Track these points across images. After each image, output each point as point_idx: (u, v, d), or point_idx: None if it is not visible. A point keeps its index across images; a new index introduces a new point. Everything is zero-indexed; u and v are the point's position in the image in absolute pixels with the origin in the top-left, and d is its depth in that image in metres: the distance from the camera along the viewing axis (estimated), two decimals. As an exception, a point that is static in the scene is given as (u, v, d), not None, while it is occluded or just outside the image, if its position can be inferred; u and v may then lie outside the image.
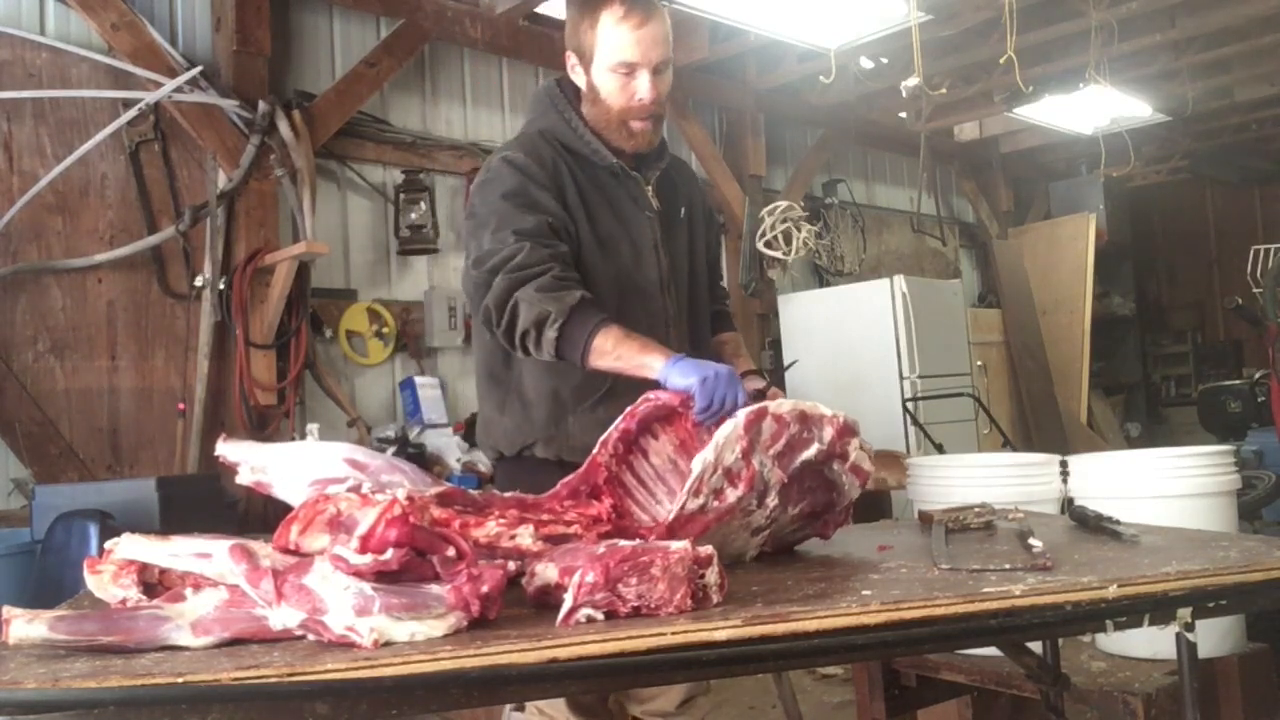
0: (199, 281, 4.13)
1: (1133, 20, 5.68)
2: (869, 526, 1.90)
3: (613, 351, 1.70)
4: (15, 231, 3.79)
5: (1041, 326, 8.22)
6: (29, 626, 0.99)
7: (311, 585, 1.04)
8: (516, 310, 1.74)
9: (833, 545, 1.59)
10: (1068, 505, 2.00)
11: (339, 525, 1.12)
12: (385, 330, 4.77)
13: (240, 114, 4.20)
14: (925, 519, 1.72)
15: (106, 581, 1.17)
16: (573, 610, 1.08)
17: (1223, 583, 1.19)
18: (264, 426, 4.20)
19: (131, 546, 1.16)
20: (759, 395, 1.77)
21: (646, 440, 1.54)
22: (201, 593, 1.09)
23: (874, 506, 3.97)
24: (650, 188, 2.03)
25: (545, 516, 1.39)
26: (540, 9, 5.19)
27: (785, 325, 6.44)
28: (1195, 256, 11.10)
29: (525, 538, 1.33)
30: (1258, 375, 6.72)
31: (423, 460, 4.32)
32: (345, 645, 1.00)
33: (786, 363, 6.21)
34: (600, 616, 1.08)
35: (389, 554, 1.06)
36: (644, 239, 1.98)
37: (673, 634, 1.02)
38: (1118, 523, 1.53)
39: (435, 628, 1.04)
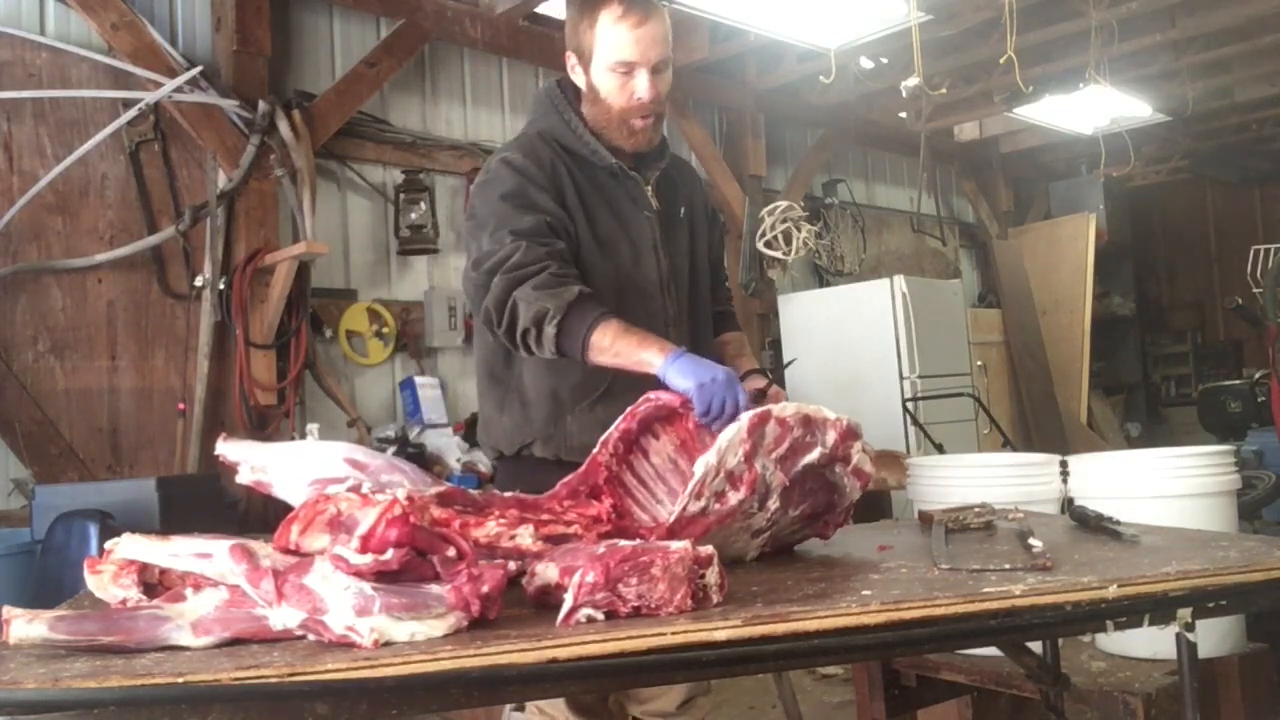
0: (199, 281, 4.13)
1: (1133, 20, 5.68)
2: (869, 526, 1.90)
3: (611, 347, 1.70)
4: (15, 231, 3.79)
5: (1041, 326, 8.22)
6: (29, 626, 0.99)
7: (312, 585, 1.04)
8: (516, 310, 1.74)
9: (833, 545, 1.59)
10: (1068, 505, 2.00)
11: (339, 525, 1.12)
12: (385, 330, 4.77)
13: (240, 114, 4.20)
14: (925, 519, 1.72)
15: (106, 581, 1.17)
16: (573, 610, 1.08)
17: (1223, 583, 1.19)
18: (264, 426, 4.20)
19: (131, 546, 1.16)
20: (760, 394, 1.77)
21: (647, 440, 1.54)
22: (202, 593, 1.09)
23: (874, 506, 3.97)
24: (650, 188, 2.03)
25: (545, 516, 1.39)
26: (540, 9, 5.19)
27: (785, 325, 6.44)
28: (1195, 256, 11.10)
29: (525, 538, 1.33)
30: (1258, 375, 6.72)
31: (423, 460, 4.32)
32: (345, 645, 1.00)
33: (786, 360, 6.21)
34: (600, 616, 1.08)
35: (389, 554, 1.06)
36: (643, 239, 1.98)
37: (673, 634, 1.02)
38: (1118, 523, 1.53)
39: (435, 628, 1.04)
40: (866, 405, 5.87)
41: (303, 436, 4.14)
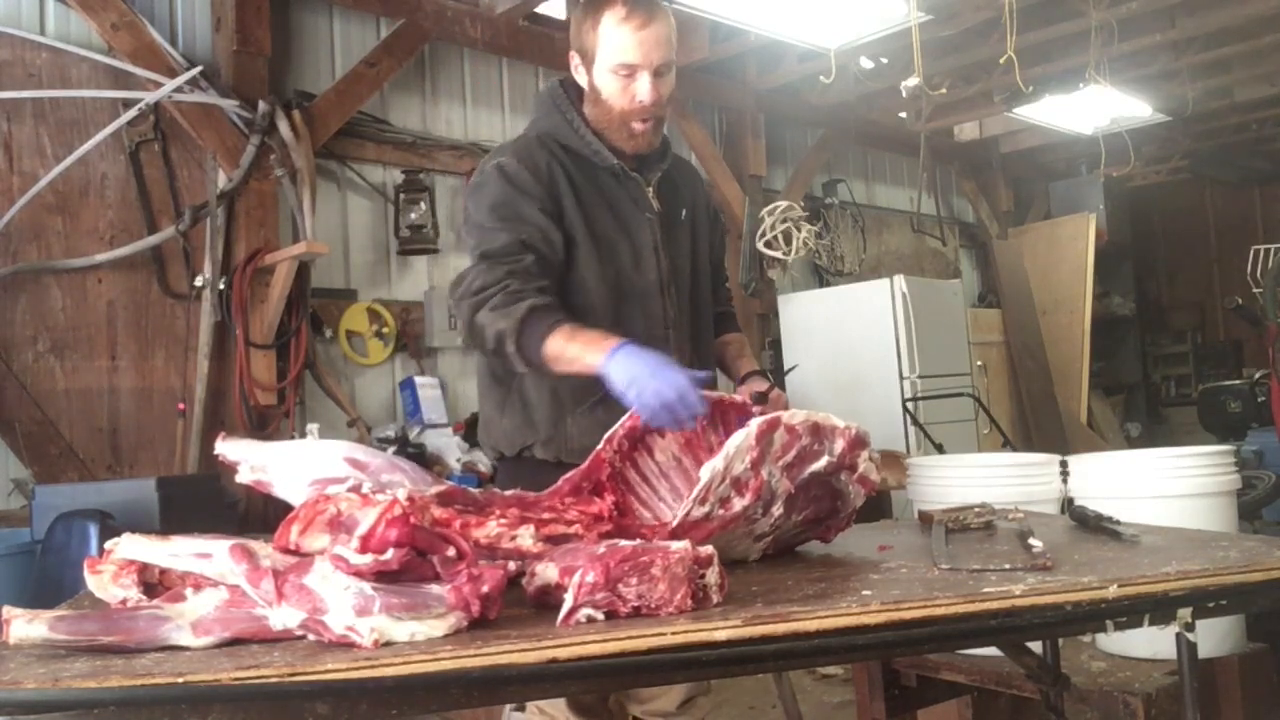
0: (199, 281, 4.13)
1: (1133, 20, 5.68)
2: (869, 526, 1.90)
3: (563, 355, 1.72)
4: (15, 231, 3.79)
5: (1041, 326, 8.22)
6: (29, 626, 0.99)
7: (312, 585, 1.04)
8: (483, 334, 1.78)
9: (833, 545, 1.59)
10: (1068, 505, 2.00)
11: (339, 525, 1.12)
12: (385, 330, 4.77)
13: (240, 114, 4.20)
14: (925, 519, 1.72)
15: (106, 581, 1.17)
16: (573, 610, 1.08)
17: (1223, 583, 1.19)
18: (264, 426, 4.20)
19: (131, 546, 1.16)
20: (761, 396, 1.77)
21: (652, 437, 1.53)
22: (202, 593, 1.09)
23: (874, 506, 3.97)
24: (651, 189, 2.02)
25: (546, 515, 1.39)
26: (540, 9, 5.20)
27: (785, 325, 6.44)
28: (1195, 256, 11.10)
29: (526, 538, 1.33)
30: (1258, 375, 6.72)
31: (423, 460, 4.32)
32: (345, 645, 1.00)
33: (786, 367, 6.21)
34: (600, 616, 1.08)
35: (389, 554, 1.06)
36: (643, 240, 1.98)
37: (673, 634, 1.02)
38: (1118, 523, 1.53)
39: (435, 628, 1.04)
40: (866, 405, 5.87)
41: (303, 436, 4.14)
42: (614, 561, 1.10)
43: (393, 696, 0.94)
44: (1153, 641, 1.91)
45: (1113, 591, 1.14)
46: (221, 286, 4.14)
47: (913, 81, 4.50)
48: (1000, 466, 2.24)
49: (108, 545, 1.18)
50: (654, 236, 1.99)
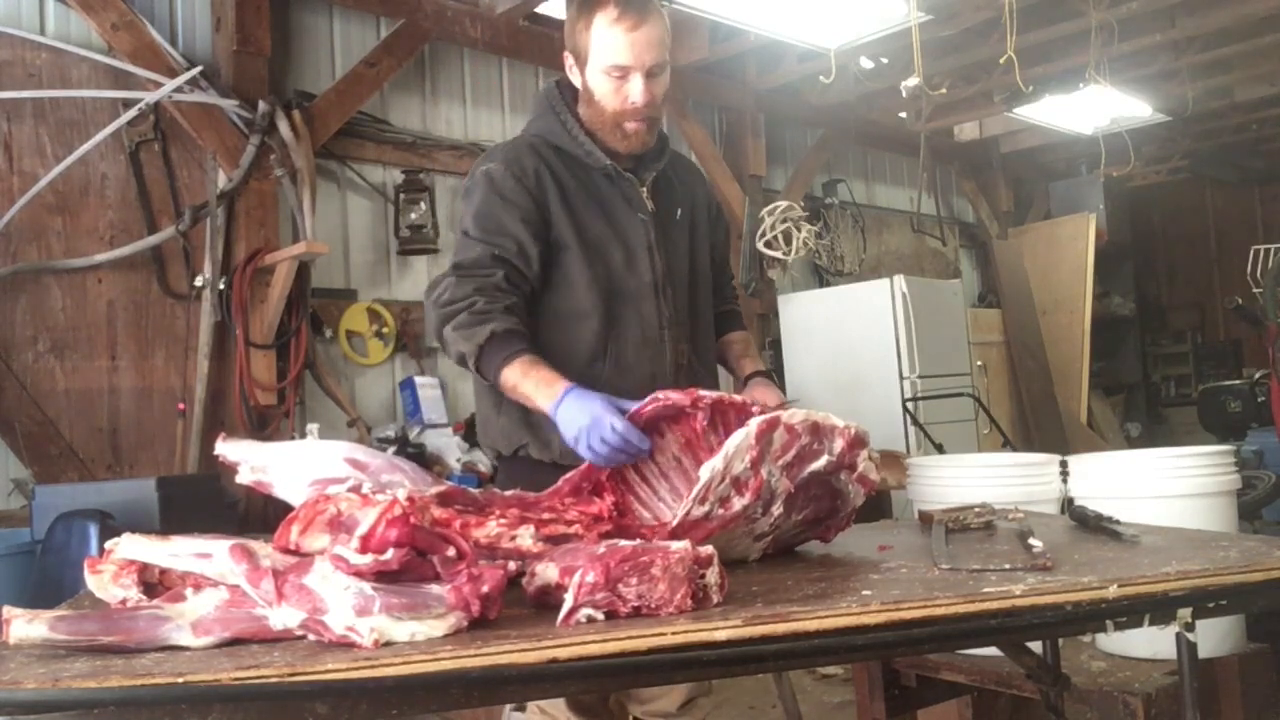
0: (199, 281, 4.13)
1: (1133, 20, 5.68)
2: (869, 526, 1.90)
3: (515, 390, 1.76)
4: (15, 231, 3.79)
5: (1041, 326, 8.22)
6: (29, 626, 0.99)
7: (312, 585, 1.04)
8: (449, 348, 1.83)
9: (833, 545, 1.59)
10: (1068, 505, 2.00)
11: (339, 525, 1.12)
12: (385, 330, 4.77)
13: (240, 114, 4.20)
14: (925, 519, 1.72)
15: (106, 581, 1.17)
16: (573, 610, 1.08)
17: (1223, 583, 1.19)
18: (264, 426, 4.20)
19: (131, 546, 1.16)
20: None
21: (653, 436, 1.53)
22: (202, 593, 1.09)
23: (874, 506, 3.97)
24: (646, 189, 2.02)
25: (546, 515, 1.39)
26: (540, 9, 5.19)
27: (785, 325, 6.44)
28: (1195, 256, 11.10)
29: (526, 539, 1.33)
30: (1258, 375, 6.73)
31: (423, 460, 4.32)
32: (346, 645, 1.00)
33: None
34: (600, 616, 1.08)
35: (389, 554, 1.06)
36: (637, 241, 1.97)
37: (673, 634, 1.02)
38: (1118, 523, 1.53)
39: (435, 628, 1.04)
40: (866, 405, 5.87)
41: (303, 436, 4.14)
42: (614, 561, 1.10)
43: (393, 696, 0.94)
44: (1153, 641, 1.91)
45: (1113, 591, 1.14)
46: (221, 286, 4.13)
47: (913, 81, 4.50)
48: (1000, 466, 2.24)
49: (108, 545, 1.18)
50: (648, 236, 1.98)
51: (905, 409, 5.79)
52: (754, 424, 1.39)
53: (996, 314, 7.94)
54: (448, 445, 4.49)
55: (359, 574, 1.05)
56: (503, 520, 1.35)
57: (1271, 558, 1.24)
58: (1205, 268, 11.00)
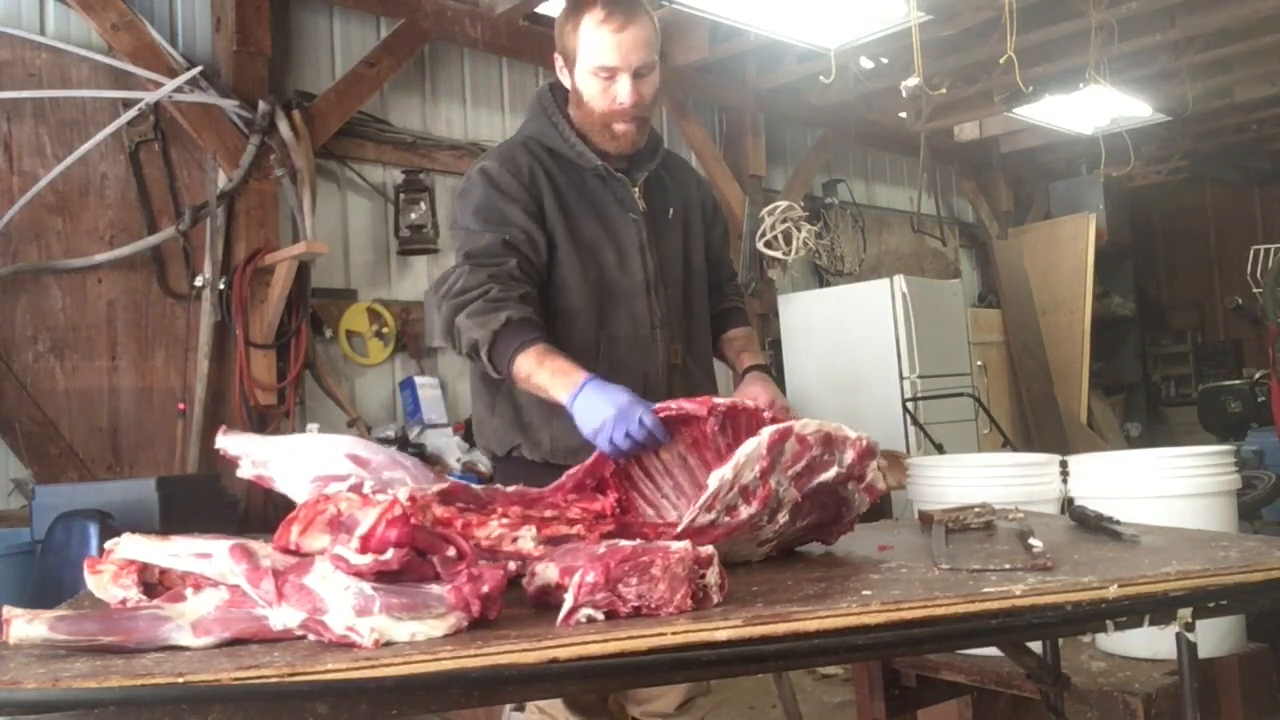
0: (199, 281, 4.13)
1: (1133, 20, 5.68)
2: (869, 526, 1.90)
3: (529, 380, 1.73)
4: (15, 231, 3.79)
5: (1041, 326, 8.22)
6: (29, 626, 0.99)
7: (312, 585, 1.04)
8: (459, 337, 1.81)
9: (833, 545, 1.59)
10: (1068, 505, 2.00)
11: (339, 525, 1.12)
12: (385, 330, 4.77)
13: (240, 114, 4.20)
14: (925, 519, 1.72)
15: (106, 581, 1.17)
16: (573, 610, 1.08)
17: (1223, 583, 1.18)
18: (264, 426, 4.19)
19: (131, 546, 1.16)
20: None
21: None
22: (202, 593, 1.09)
23: (874, 506, 3.95)
24: (638, 189, 2.03)
25: (548, 512, 1.39)
26: (540, 9, 5.19)
27: (785, 325, 6.44)
28: (1195, 256, 11.10)
29: (527, 541, 1.33)
30: (1258, 375, 6.73)
31: (423, 460, 4.31)
32: (346, 645, 1.00)
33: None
34: (600, 616, 1.08)
35: (389, 554, 1.06)
36: (629, 241, 1.98)
37: (673, 634, 1.01)
38: (1118, 523, 1.53)
39: (436, 628, 1.04)
40: (866, 405, 5.87)
41: (303, 436, 4.13)
42: (614, 561, 1.10)
43: (393, 696, 0.93)
44: (1153, 641, 1.91)
45: (1113, 591, 1.14)
46: (221, 286, 4.14)
47: (913, 81, 4.50)
48: (1000, 466, 2.24)
49: (108, 545, 1.18)
50: (640, 236, 1.99)
51: (905, 409, 5.79)
52: (766, 434, 1.37)
53: (996, 314, 7.94)
54: (448, 445, 4.49)
55: (359, 574, 1.05)
56: (504, 520, 1.34)
57: (1271, 558, 1.24)
58: (1205, 268, 11.00)
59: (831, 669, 3.90)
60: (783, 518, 1.41)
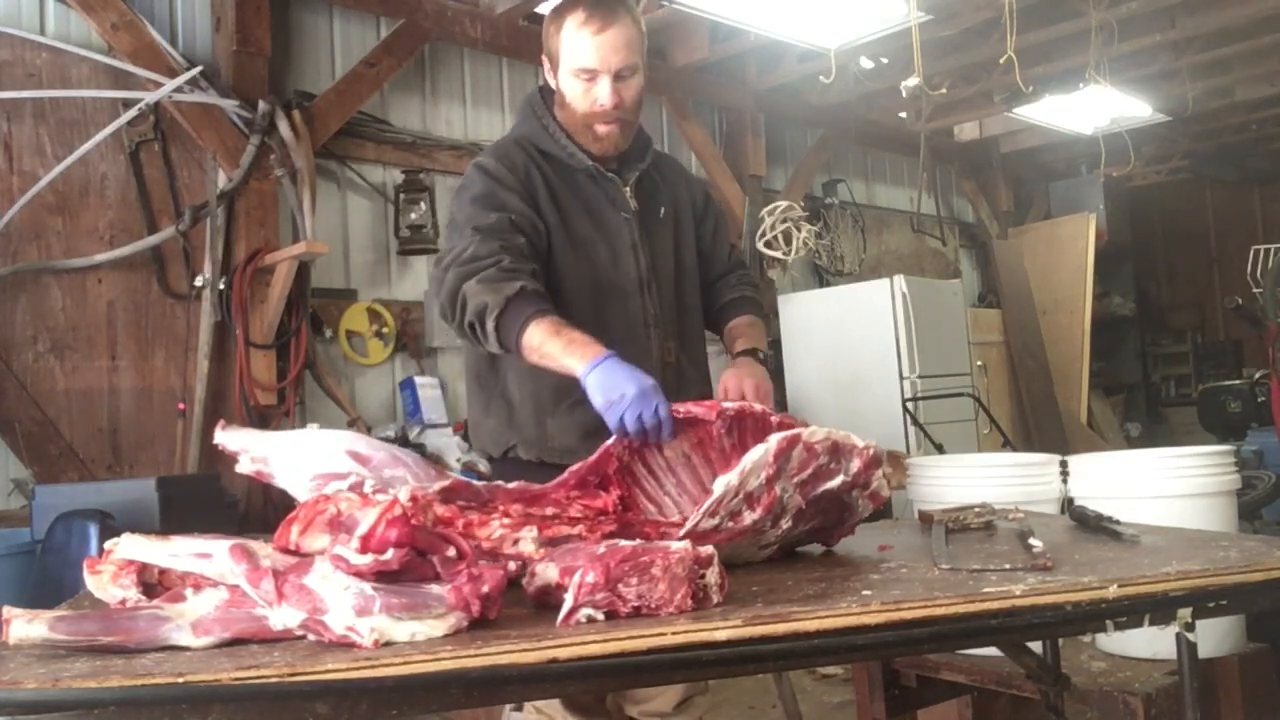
0: (199, 281, 4.13)
1: (1133, 20, 5.68)
2: (869, 526, 1.89)
3: (540, 347, 1.69)
4: (15, 231, 3.79)
5: (1041, 326, 8.22)
6: (29, 626, 0.99)
7: (312, 585, 1.04)
8: (465, 303, 1.75)
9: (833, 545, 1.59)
10: (1068, 505, 2.00)
11: (339, 525, 1.12)
12: (385, 330, 4.77)
13: (240, 114, 4.20)
14: (925, 519, 1.72)
15: (106, 581, 1.17)
16: (573, 610, 1.08)
17: (1223, 583, 1.18)
18: (264, 426, 4.18)
19: (131, 546, 1.16)
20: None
21: None
22: (202, 593, 1.09)
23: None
24: (629, 189, 2.03)
25: (550, 510, 1.38)
26: (540, 9, 5.19)
27: (785, 325, 6.44)
28: (1195, 256, 11.10)
29: (528, 543, 1.32)
30: (1258, 375, 6.72)
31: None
32: (346, 645, 1.00)
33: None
34: (600, 616, 1.08)
35: (389, 554, 1.06)
36: (621, 240, 1.99)
37: (673, 634, 1.01)
38: (1118, 523, 1.53)
39: (436, 628, 1.04)
40: (866, 405, 5.87)
41: (303, 436, 4.13)
42: (614, 561, 1.10)
43: (393, 696, 0.93)
44: (1153, 641, 1.92)
45: (1113, 591, 1.13)
46: (221, 286, 4.14)
47: (913, 81, 4.50)
48: (1000, 466, 2.24)
49: (107, 545, 1.18)
50: (632, 235, 2.00)
51: (905, 409, 5.78)
52: (774, 441, 1.36)
53: (996, 314, 7.94)
54: (448, 445, 4.49)
55: (359, 574, 1.05)
56: (506, 520, 1.34)
57: (1271, 558, 1.24)
58: (1205, 268, 11.00)
59: (831, 669, 3.90)
60: (786, 523, 1.41)
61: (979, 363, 7.08)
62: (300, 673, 0.92)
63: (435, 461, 4.40)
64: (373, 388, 4.79)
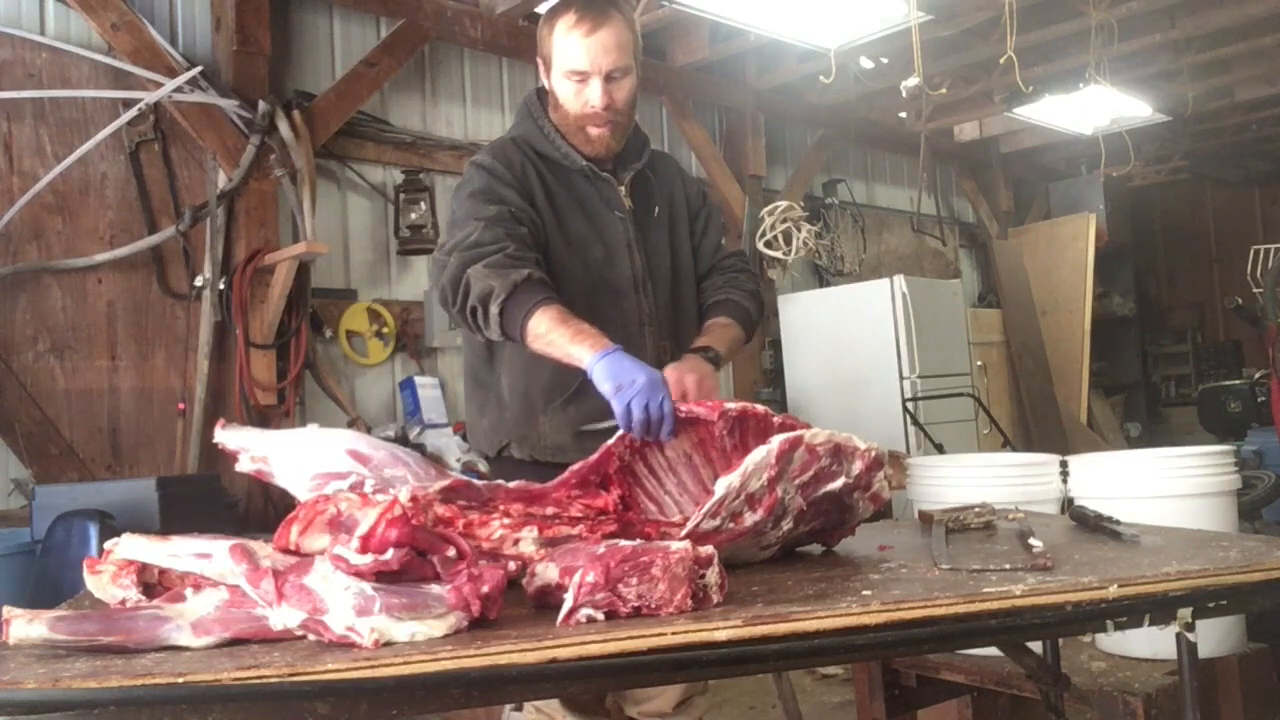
0: (199, 281, 4.13)
1: (1133, 20, 5.68)
2: (869, 526, 1.89)
3: (545, 335, 1.68)
4: (15, 231, 3.78)
5: (1041, 326, 8.22)
6: (29, 626, 0.99)
7: (312, 585, 1.04)
8: (468, 287, 1.75)
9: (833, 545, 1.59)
10: (1068, 505, 2.00)
11: (339, 525, 1.12)
12: (385, 330, 4.77)
13: (240, 114, 4.19)
14: (925, 519, 1.72)
15: (106, 581, 1.17)
16: (573, 610, 1.08)
17: (1223, 583, 1.18)
18: (264, 426, 4.17)
19: (131, 546, 1.16)
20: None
21: None
22: (202, 593, 1.09)
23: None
24: (624, 188, 2.04)
25: (551, 510, 1.38)
26: (540, 9, 5.19)
27: (785, 325, 6.45)
28: (1195, 256, 11.10)
29: (529, 544, 1.32)
30: (1258, 375, 6.72)
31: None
32: (346, 645, 1.00)
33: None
34: (600, 616, 1.08)
35: (389, 554, 1.06)
36: (616, 239, 2.00)
37: (673, 634, 1.01)
38: (1118, 523, 1.53)
39: (435, 628, 1.04)
40: (866, 405, 5.87)
41: (303, 436, 4.13)
42: (614, 561, 1.10)
43: (393, 696, 0.93)
44: (1153, 641, 1.92)
45: (1113, 591, 1.13)
46: (221, 286, 4.13)
47: (913, 81, 4.50)
48: (1000, 466, 2.24)
49: (107, 545, 1.18)
50: (627, 235, 2.01)
51: (905, 409, 5.78)
52: (776, 442, 1.36)
53: (996, 314, 7.94)
54: (447, 445, 4.49)
55: (359, 574, 1.05)
56: (506, 520, 1.34)
57: (1271, 558, 1.24)
58: (1205, 268, 11.00)
59: (831, 669, 3.90)
60: (787, 524, 1.41)
61: (979, 363, 7.08)
62: (300, 673, 0.92)
63: (435, 461, 4.40)
64: (373, 388, 4.79)
